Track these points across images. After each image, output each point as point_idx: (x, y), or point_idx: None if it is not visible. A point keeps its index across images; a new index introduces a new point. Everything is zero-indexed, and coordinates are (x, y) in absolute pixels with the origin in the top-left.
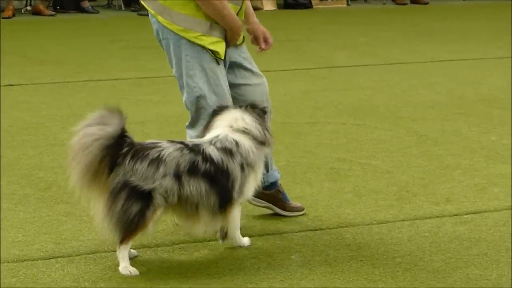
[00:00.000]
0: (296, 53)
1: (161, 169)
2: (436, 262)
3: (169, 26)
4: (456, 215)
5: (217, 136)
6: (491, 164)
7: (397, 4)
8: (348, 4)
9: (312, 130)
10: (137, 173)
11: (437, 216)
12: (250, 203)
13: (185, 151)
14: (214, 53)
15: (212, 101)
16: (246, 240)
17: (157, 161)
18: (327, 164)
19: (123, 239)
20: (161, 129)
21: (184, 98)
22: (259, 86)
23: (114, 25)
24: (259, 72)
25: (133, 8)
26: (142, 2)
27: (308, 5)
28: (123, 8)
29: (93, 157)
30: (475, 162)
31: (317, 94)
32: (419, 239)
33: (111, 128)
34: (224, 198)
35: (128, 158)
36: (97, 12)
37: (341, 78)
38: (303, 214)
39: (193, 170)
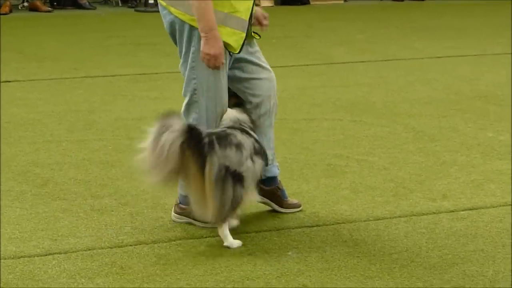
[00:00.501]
0: (293, 50)
1: (244, 153)
2: (432, 258)
3: (182, 17)
4: (453, 211)
5: (244, 122)
6: (488, 161)
7: (394, 0)
8: (345, 1)
9: (309, 127)
10: (231, 158)
11: (434, 213)
12: None
13: (246, 135)
14: (225, 46)
15: (208, 94)
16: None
17: (240, 146)
18: (324, 161)
19: (225, 219)
20: None
21: (183, 89)
22: (267, 80)
23: (111, 21)
24: (268, 67)
25: (130, 5)
26: None
27: (305, 1)
28: (120, 4)
29: (175, 161)
30: (471, 159)
31: (315, 90)
32: (416, 235)
33: (176, 128)
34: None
35: (216, 146)
36: (94, 8)
37: (338, 75)
38: (300, 211)
39: (256, 151)
